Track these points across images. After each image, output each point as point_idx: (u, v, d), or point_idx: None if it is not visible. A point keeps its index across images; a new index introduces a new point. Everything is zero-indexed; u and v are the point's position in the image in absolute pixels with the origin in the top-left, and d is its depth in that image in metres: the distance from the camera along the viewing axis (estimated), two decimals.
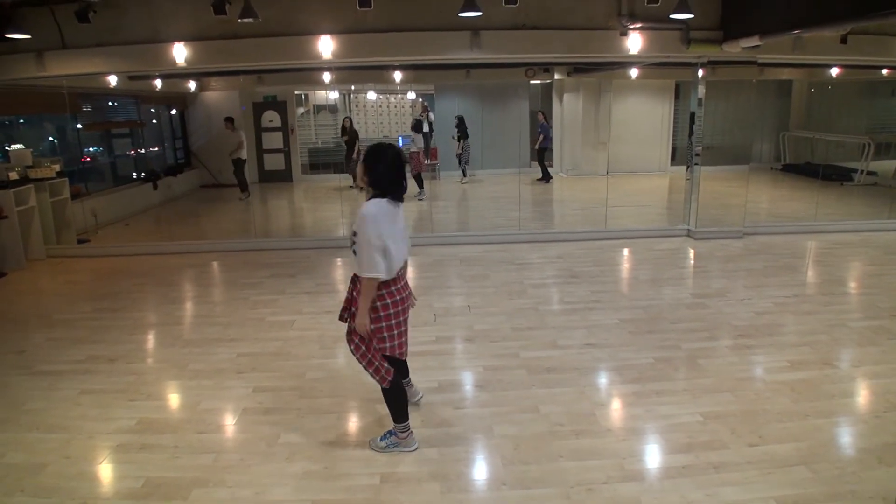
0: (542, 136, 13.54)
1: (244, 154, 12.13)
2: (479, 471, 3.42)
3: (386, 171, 3.29)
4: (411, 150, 11.76)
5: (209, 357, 4.94)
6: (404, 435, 3.55)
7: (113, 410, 4.09)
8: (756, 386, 4.27)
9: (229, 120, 12.16)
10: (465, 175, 13.72)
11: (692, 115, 8.60)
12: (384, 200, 3.27)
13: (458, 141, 13.35)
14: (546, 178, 13.57)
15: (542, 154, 13.65)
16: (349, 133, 12.73)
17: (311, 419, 3.93)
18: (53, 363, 4.89)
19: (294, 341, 5.22)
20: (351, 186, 12.56)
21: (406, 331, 3.52)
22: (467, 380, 4.50)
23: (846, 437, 3.67)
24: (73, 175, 9.53)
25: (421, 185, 11.99)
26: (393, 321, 3.36)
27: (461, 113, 13.64)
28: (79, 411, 4.10)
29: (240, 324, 5.68)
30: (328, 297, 6.42)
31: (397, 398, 3.53)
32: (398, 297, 3.37)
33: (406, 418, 3.55)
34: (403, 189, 3.38)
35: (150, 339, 5.50)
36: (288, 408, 4.08)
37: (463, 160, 13.56)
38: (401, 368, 3.69)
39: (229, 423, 3.94)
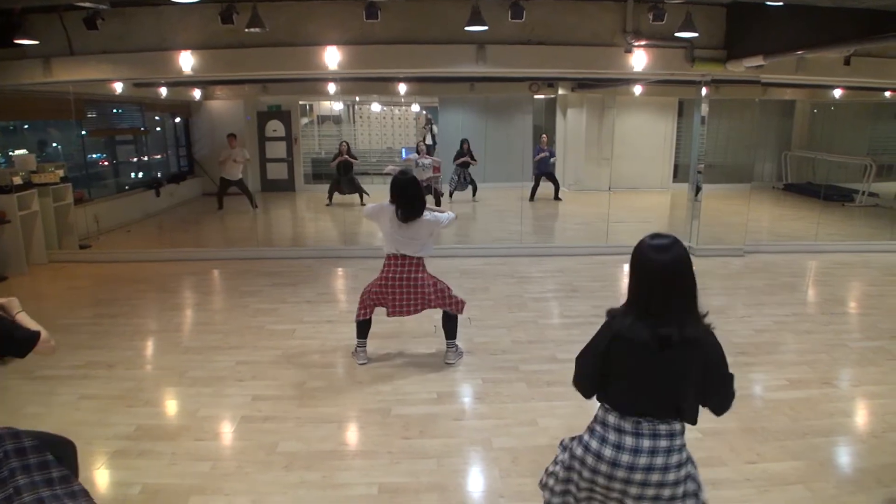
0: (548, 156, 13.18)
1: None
2: (477, 483, 3.41)
3: (393, 192, 4.52)
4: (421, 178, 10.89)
5: (209, 364, 4.94)
6: (358, 348, 4.96)
7: (111, 416, 4.09)
8: (755, 404, 4.27)
9: (233, 136, 11.82)
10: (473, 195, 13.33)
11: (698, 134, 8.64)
12: (388, 202, 4.56)
13: (464, 168, 12.69)
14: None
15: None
16: (345, 156, 12.15)
17: (310, 428, 3.93)
18: (53, 368, 4.87)
19: (294, 350, 5.22)
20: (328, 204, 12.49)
21: (384, 296, 4.73)
22: (466, 392, 4.50)
23: (845, 457, 3.66)
24: (76, 181, 9.57)
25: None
26: (377, 283, 4.75)
27: (465, 127, 13.52)
28: (77, 417, 4.09)
29: (240, 332, 5.68)
30: (329, 307, 6.42)
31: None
32: (383, 272, 4.71)
33: (360, 336, 4.93)
34: (406, 212, 4.48)
35: (150, 346, 5.50)
36: (287, 416, 4.08)
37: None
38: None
39: (228, 430, 3.94)
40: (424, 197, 4.66)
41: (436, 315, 5.80)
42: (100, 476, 3.43)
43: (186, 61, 7.55)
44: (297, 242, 10.24)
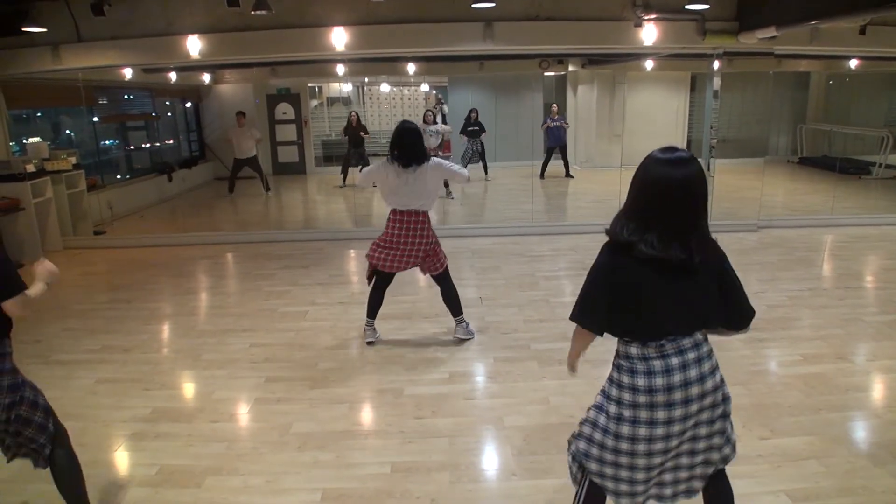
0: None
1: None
2: (489, 461, 3.43)
3: (392, 141, 4.53)
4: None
5: (223, 347, 4.99)
6: (367, 328, 4.95)
7: (128, 399, 4.15)
8: (769, 379, 4.25)
9: (242, 114, 11.83)
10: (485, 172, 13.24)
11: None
12: (386, 160, 4.55)
13: (475, 138, 12.57)
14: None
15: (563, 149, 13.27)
16: (355, 129, 12.10)
17: (323, 409, 3.96)
18: (70, 353, 4.96)
19: (307, 332, 5.25)
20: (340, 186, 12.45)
21: (393, 255, 4.62)
22: (478, 371, 4.52)
23: (859, 432, 3.64)
24: (88, 167, 9.63)
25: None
26: (384, 240, 4.65)
27: (475, 105, 13.36)
28: (94, 400, 4.16)
29: (253, 315, 5.72)
30: (341, 289, 6.45)
31: (370, 298, 4.88)
32: (390, 229, 4.62)
33: (369, 316, 4.91)
34: (405, 157, 4.47)
35: (165, 330, 5.56)
36: (300, 398, 4.12)
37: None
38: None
39: (242, 412, 3.98)
40: (424, 145, 4.64)
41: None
42: (118, 458, 3.49)
43: (194, 46, 7.53)
44: (309, 225, 10.26)
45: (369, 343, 4.92)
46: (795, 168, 14.36)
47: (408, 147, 4.51)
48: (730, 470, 3.18)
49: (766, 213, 8.84)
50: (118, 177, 11.44)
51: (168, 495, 3.13)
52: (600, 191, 11.48)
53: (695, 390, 2.06)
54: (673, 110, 14.69)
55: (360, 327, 5.23)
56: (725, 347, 4.71)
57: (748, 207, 8.73)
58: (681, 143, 14.77)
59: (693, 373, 2.06)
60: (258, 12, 6.75)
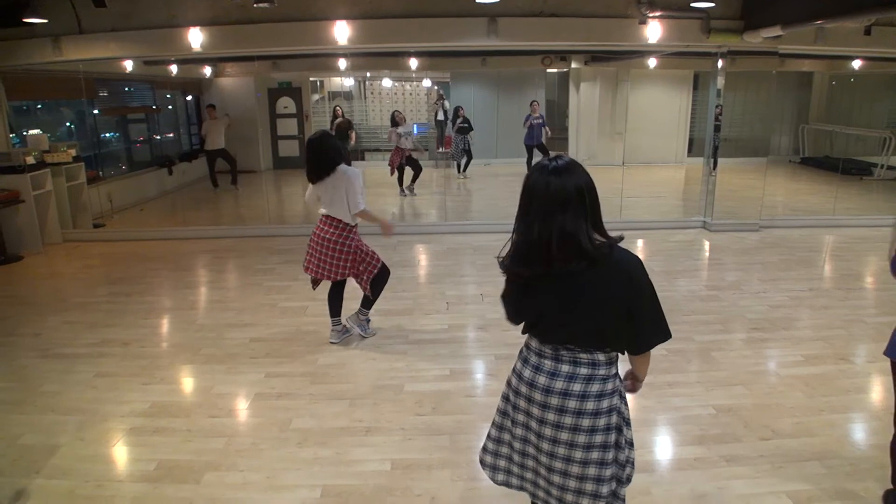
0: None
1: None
2: None
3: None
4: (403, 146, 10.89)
5: (222, 342, 4.97)
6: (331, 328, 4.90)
7: (127, 394, 4.13)
8: (770, 380, 4.24)
9: (212, 107, 12.03)
10: (465, 169, 13.18)
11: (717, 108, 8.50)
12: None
13: (464, 135, 12.69)
14: None
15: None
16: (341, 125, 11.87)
17: (323, 405, 3.94)
18: (69, 346, 4.93)
19: (307, 327, 5.24)
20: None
21: (310, 256, 4.82)
22: (479, 368, 4.50)
23: (860, 433, 3.63)
24: (88, 160, 9.59)
25: (401, 182, 11.28)
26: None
27: (479, 101, 13.34)
28: (93, 394, 4.13)
29: (253, 309, 5.70)
30: None
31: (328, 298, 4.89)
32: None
33: (331, 315, 4.87)
34: (313, 170, 4.65)
35: (164, 324, 5.54)
36: (300, 393, 4.10)
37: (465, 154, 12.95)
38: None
39: (242, 407, 3.97)
40: (332, 154, 4.58)
41: (449, 292, 5.79)
42: (116, 453, 3.47)
43: (195, 38, 7.50)
44: (310, 219, 10.21)
45: (333, 343, 4.88)
46: (797, 168, 14.34)
47: (311, 160, 4.61)
48: (731, 471, 3.18)
49: (768, 213, 8.82)
50: (119, 169, 11.40)
51: (167, 491, 3.12)
52: (601, 188, 11.29)
53: (554, 401, 2.04)
54: (675, 109, 14.67)
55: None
56: (726, 347, 4.71)
57: (750, 207, 8.71)
58: (683, 141, 14.79)
59: (559, 384, 2.04)
60: (261, 5, 6.73)
